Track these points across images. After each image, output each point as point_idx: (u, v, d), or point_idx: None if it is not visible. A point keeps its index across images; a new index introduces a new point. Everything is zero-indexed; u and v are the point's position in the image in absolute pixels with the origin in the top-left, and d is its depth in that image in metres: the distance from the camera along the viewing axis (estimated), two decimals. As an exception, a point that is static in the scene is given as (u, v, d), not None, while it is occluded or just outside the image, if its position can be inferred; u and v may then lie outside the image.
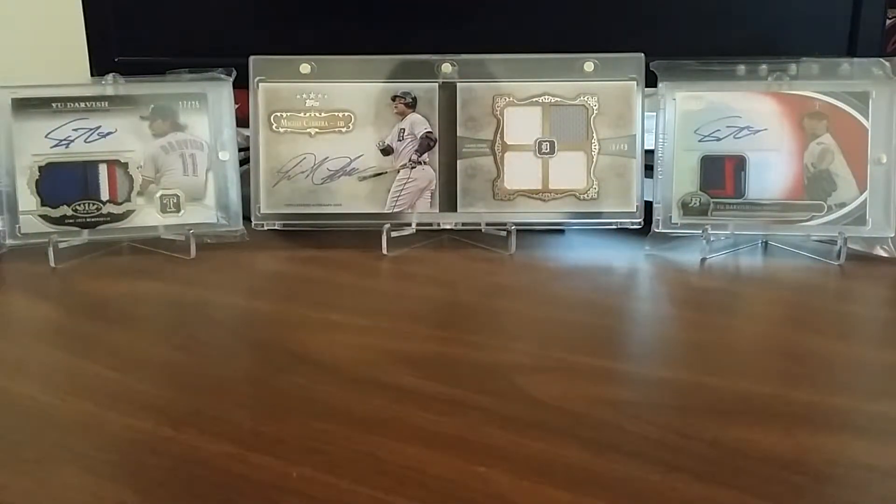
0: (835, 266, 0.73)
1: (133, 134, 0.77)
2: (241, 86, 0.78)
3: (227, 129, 0.78)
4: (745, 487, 0.40)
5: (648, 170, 0.77)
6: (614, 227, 0.77)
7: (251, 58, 0.77)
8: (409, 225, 0.77)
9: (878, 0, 0.79)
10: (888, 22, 0.90)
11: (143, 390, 0.51)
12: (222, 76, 0.78)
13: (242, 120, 0.80)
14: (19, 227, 0.75)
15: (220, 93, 0.78)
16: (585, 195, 0.77)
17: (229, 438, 0.45)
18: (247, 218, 0.78)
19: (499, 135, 0.78)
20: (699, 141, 0.76)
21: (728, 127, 0.75)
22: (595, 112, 0.77)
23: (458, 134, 0.78)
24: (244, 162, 0.80)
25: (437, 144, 0.78)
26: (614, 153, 0.77)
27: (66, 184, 0.75)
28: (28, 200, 0.75)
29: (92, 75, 0.86)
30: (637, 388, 0.52)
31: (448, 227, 0.78)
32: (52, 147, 0.75)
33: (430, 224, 0.78)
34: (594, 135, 0.77)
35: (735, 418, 0.47)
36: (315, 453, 0.43)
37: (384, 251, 0.76)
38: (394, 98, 0.78)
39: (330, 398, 0.50)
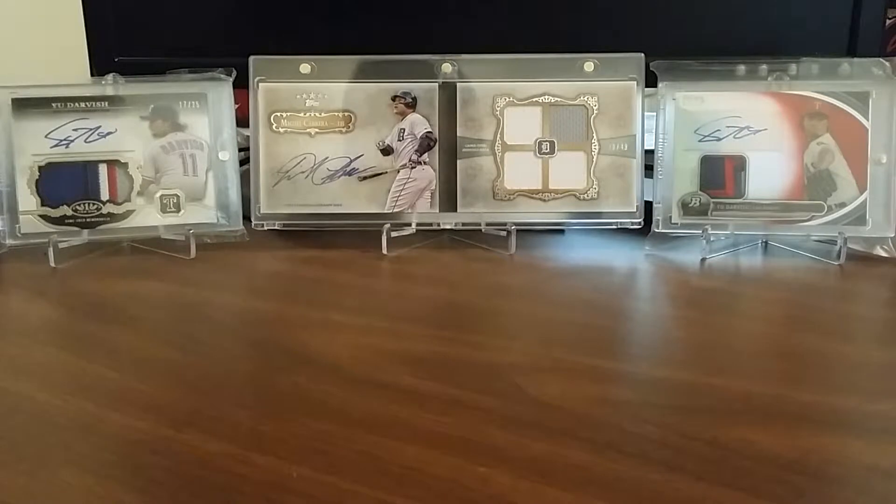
0: (835, 266, 0.73)
1: (133, 134, 0.77)
2: (241, 86, 0.78)
3: (227, 129, 0.78)
4: (745, 487, 0.40)
5: (648, 170, 0.77)
6: (614, 227, 0.77)
7: (251, 58, 0.77)
8: (409, 225, 0.77)
9: (878, 0, 0.79)
10: (888, 22, 0.90)
11: (143, 390, 0.51)
12: (222, 76, 0.78)
13: (242, 120, 0.80)
14: (19, 227, 0.75)
15: (220, 93, 0.78)
16: (585, 195, 0.77)
17: (229, 438, 0.45)
18: (247, 218, 0.78)
19: (499, 135, 0.78)
20: (699, 141, 0.76)
21: (728, 127, 0.75)
22: (595, 112, 0.77)
23: (458, 134, 0.78)
24: (244, 162, 0.80)
25: (437, 144, 0.78)
26: (614, 153, 0.77)
27: (66, 184, 0.75)
28: (28, 200, 0.75)
29: (92, 75, 0.86)
30: (637, 388, 0.52)
31: (448, 227, 0.78)
32: (52, 147, 0.75)
33: (430, 224, 0.78)
34: (594, 135, 0.77)
35: (735, 418, 0.47)
36: (315, 453, 0.43)
37: (384, 251, 0.76)
38: (394, 98, 0.78)
39: (330, 398, 0.50)
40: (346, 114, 0.78)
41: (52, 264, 0.73)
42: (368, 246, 0.77)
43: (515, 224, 0.76)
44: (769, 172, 0.75)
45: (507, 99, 0.78)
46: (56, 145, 0.75)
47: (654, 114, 0.76)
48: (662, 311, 0.66)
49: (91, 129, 0.76)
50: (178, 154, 0.78)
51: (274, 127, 0.78)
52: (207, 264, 0.74)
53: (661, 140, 0.76)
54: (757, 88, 0.75)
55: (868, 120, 0.74)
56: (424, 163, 0.78)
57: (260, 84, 0.78)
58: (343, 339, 0.59)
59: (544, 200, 0.78)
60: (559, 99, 0.77)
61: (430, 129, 0.78)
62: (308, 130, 0.78)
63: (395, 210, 0.78)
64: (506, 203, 0.78)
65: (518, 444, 0.44)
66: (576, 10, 0.83)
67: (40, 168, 0.75)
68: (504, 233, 0.76)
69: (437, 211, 0.78)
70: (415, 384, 0.51)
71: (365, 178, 0.78)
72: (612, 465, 0.42)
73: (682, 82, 0.76)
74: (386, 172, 0.78)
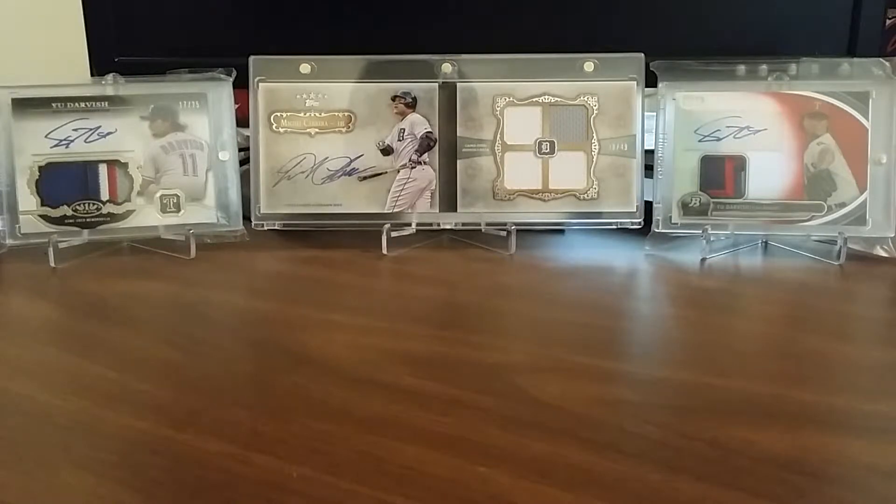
0: (835, 266, 0.73)
1: (133, 134, 0.77)
2: (241, 86, 0.78)
3: (227, 129, 0.78)
4: (746, 487, 0.40)
5: (648, 170, 0.77)
6: (614, 227, 0.77)
7: (251, 58, 0.77)
8: (409, 225, 0.77)
9: (878, 0, 0.79)
10: (888, 22, 0.90)
11: (143, 390, 0.51)
12: (222, 76, 0.78)
13: (242, 120, 0.80)
14: (19, 227, 0.75)
15: (220, 93, 0.78)
16: (585, 195, 0.77)
17: (229, 438, 0.45)
18: (247, 218, 0.78)
19: (499, 135, 0.78)
20: (699, 141, 0.76)
21: (728, 127, 0.75)
22: (595, 112, 0.77)
23: (458, 134, 0.78)
24: (244, 162, 0.80)
25: (437, 144, 0.78)
26: (614, 153, 0.77)
27: (66, 184, 0.75)
28: (28, 200, 0.75)
29: (92, 75, 0.86)
30: (637, 388, 0.52)
31: (448, 227, 0.78)
32: (52, 147, 0.75)
33: (430, 224, 0.78)
34: (594, 135, 0.77)
35: (735, 418, 0.47)
36: (315, 453, 0.43)
37: (384, 251, 0.76)
38: (394, 98, 0.78)
39: (330, 398, 0.50)
40: (346, 114, 0.78)
41: (52, 264, 0.73)
42: (368, 246, 0.77)
43: (515, 224, 0.76)
44: (769, 172, 0.75)
45: (507, 99, 0.78)
46: (56, 145, 0.75)
47: (654, 114, 0.76)
48: (662, 311, 0.66)
49: (91, 129, 0.76)
50: (178, 154, 0.78)
51: (274, 127, 0.78)
52: (207, 264, 0.74)
53: (661, 140, 0.76)
54: (757, 88, 0.75)
55: (868, 120, 0.74)
56: (424, 163, 0.78)
57: (260, 84, 0.78)
58: (343, 339, 0.59)
59: (544, 200, 0.78)
60: (559, 99, 0.77)
61: (430, 129, 0.78)
62: (308, 130, 0.78)
63: (395, 210, 0.78)
64: (506, 203, 0.78)
65: (518, 444, 0.44)
66: (576, 10, 0.83)
67: (40, 168, 0.75)
68: (504, 233, 0.76)
69: (437, 211, 0.78)
70: (415, 384, 0.51)
71: (365, 178, 0.78)
72: (612, 465, 0.42)
73: (682, 82, 0.76)
74: (386, 172, 0.78)
